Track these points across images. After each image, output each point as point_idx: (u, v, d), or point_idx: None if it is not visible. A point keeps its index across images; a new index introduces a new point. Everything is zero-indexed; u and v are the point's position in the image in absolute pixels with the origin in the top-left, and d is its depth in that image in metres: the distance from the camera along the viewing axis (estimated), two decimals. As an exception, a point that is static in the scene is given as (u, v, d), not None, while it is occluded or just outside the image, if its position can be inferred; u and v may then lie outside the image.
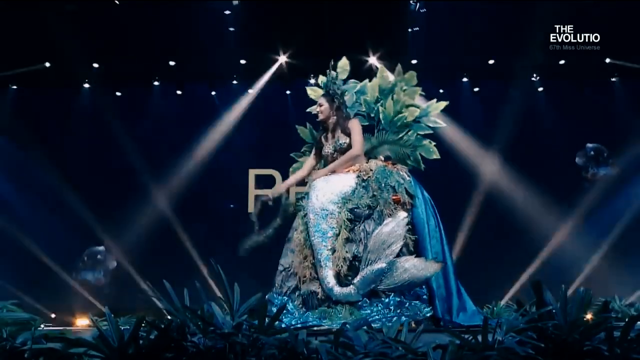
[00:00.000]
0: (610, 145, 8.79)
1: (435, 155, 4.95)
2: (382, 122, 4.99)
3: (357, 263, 4.40)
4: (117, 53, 8.64)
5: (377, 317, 4.21)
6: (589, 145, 8.79)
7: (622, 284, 7.66)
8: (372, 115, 5.06)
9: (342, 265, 4.37)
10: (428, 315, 4.28)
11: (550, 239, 8.56)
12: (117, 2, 7.88)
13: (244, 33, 8.27)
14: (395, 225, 4.39)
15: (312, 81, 9.17)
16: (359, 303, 4.33)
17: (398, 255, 4.33)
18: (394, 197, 4.50)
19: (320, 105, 4.85)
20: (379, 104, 5.03)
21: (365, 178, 4.59)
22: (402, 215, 4.44)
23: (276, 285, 4.67)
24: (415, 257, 4.36)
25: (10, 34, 8.05)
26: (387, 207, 4.47)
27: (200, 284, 3.14)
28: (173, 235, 8.79)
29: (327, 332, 3.54)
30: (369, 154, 4.93)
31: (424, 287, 4.41)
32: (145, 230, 8.74)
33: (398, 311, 4.25)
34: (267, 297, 4.55)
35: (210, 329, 2.72)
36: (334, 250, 4.44)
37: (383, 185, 4.53)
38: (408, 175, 4.70)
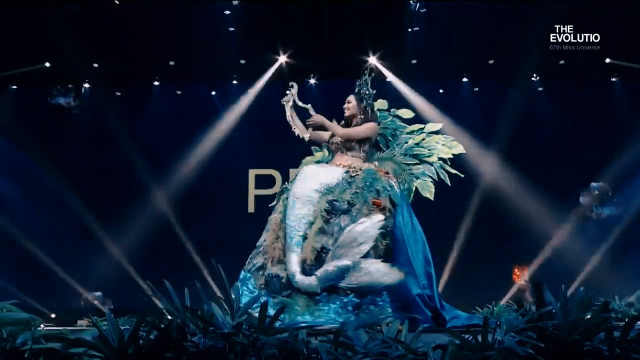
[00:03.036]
0: (610, 145, 8.78)
1: (429, 195, 5.01)
2: (403, 145, 5.08)
3: (324, 255, 4.39)
4: (117, 53, 8.65)
5: (332, 315, 4.21)
6: (594, 184, 8.75)
7: (622, 284, 7.65)
8: (396, 143, 5.17)
9: (309, 254, 4.38)
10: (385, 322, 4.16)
11: (550, 239, 8.56)
12: (117, 2, 7.88)
13: (244, 33, 8.27)
14: (369, 225, 4.38)
15: (312, 81, 9.20)
16: (318, 297, 4.31)
17: (365, 257, 4.32)
18: (375, 200, 4.51)
19: (349, 102, 4.95)
20: (410, 135, 5.15)
21: (352, 175, 4.63)
22: (378, 217, 4.43)
23: (247, 262, 4.69)
24: (382, 262, 4.34)
25: (10, 34, 8.06)
26: (365, 206, 4.48)
27: (201, 283, 3.14)
28: (173, 235, 8.79)
29: (326, 332, 3.54)
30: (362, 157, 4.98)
31: (384, 294, 4.32)
32: (145, 230, 8.74)
33: (355, 312, 4.23)
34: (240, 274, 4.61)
35: (210, 329, 2.72)
36: (305, 237, 4.45)
37: (367, 185, 4.56)
38: (397, 187, 4.72)
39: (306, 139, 4.97)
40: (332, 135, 4.95)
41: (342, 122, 5.03)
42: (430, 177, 5.03)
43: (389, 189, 4.61)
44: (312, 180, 4.61)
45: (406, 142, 5.10)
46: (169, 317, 2.91)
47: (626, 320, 2.76)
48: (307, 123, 4.91)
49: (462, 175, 5.15)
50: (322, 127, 4.95)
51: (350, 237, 4.35)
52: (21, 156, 8.88)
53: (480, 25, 8.02)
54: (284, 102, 4.94)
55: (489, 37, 8.27)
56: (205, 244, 8.54)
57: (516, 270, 8.33)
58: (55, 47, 8.29)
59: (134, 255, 8.64)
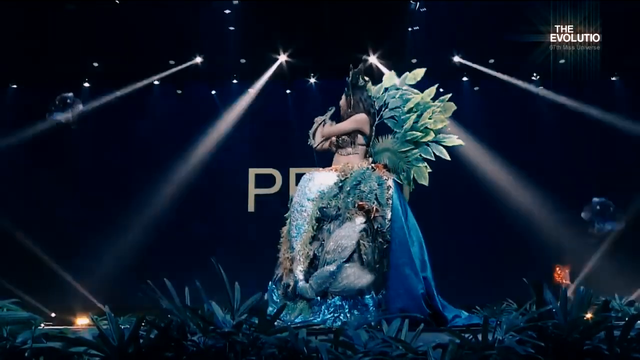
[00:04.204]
0: (610, 145, 8.78)
1: (424, 182, 4.96)
2: (401, 130, 5.03)
3: (316, 261, 4.51)
4: (117, 53, 8.64)
5: (319, 317, 4.31)
6: (595, 199, 8.68)
7: (622, 283, 7.65)
8: (400, 122, 5.10)
9: (304, 262, 4.48)
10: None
11: (551, 238, 8.55)
12: (117, 1, 7.88)
13: (244, 33, 8.27)
14: (350, 229, 4.46)
15: (312, 80, 9.20)
16: (312, 302, 4.43)
17: (347, 261, 4.40)
18: (360, 203, 4.51)
19: (340, 101, 5.05)
20: (409, 115, 5.05)
21: (342, 179, 4.65)
22: (359, 220, 4.49)
23: (274, 272, 4.79)
24: (359, 265, 4.41)
25: (11, 33, 8.05)
26: (347, 210, 4.51)
27: (201, 283, 3.14)
28: (173, 234, 8.78)
29: (327, 332, 3.54)
30: (373, 157, 4.98)
31: (366, 296, 4.38)
32: (145, 229, 8.74)
33: (335, 315, 4.33)
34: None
35: (211, 328, 2.72)
36: None
37: (353, 187, 4.58)
38: (391, 182, 4.70)
39: (314, 147, 5.06)
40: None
41: None
42: (427, 159, 4.95)
43: (375, 188, 4.58)
44: (306, 189, 4.70)
45: (405, 124, 4.99)
46: (169, 316, 2.91)
47: (626, 319, 2.76)
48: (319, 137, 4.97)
49: (463, 144, 5.09)
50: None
51: (335, 243, 4.45)
52: (21, 156, 8.87)
53: (480, 24, 8.01)
54: (316, 121, 5.00)
55: (489, 37, 8.27)
56: (206, 243, 8.54)
57: (558, 269, 8.30)
58: (56, 46, 8.28)
59: (134, 254, 8.63)
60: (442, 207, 8.44)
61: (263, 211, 9.00)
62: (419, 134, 4.95)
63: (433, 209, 7.92)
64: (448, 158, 4.98)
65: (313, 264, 4.50)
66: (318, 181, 4.70)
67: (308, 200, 4.63)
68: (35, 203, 8.83)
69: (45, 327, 3.43)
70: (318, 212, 4.57)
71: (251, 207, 9.25)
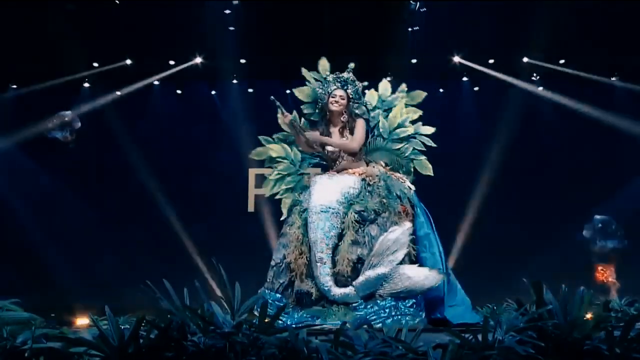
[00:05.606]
0: (610, 145, 8.77)
1: (429, 172, 5.02)
2: (382, 130, 5.05)
3: (359, 265, 4.42)
4: (117, 53, 8.64)
5: (372, 317, 4.25)
6: (597, 217, 8.68)
7: (622, 282, 7.66)
8: (375, 129, 5.16)
9: (345, 266, 4.38)
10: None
11: (550, 238, 8.55)
12: (117, 1, 7.88)
13: (244, 33, 8.27)
14: (400, 233, 4.47)
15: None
16: (354, 305, 4.36)
17: (401, 263, 4.39)
18: (401, 207, 4.56)
19: (342, 98, 4.92)
20: (377, 112, 5.08)
21: (371, 183, 4.64)
22: (408, 225, 4.55)
23: (268, 280, 4.68)
24: (419, 266, 4.45)
25: (10, 33, 8.05)
26: (394, 215, 4.53)
27: (200, 283, 3.15)
28: (173, 235, 8.78)
29: (327, 332, 3.54)
30: (365, 158, 4.99)
31: (419, 296, 4.46)
32: (145, 230, 8.74)
33: (392, 314, 4.29)
34: (259, 292, 4.57)
35: (211, 328, 2.72)
36: (334, 249, 4.45)
37: (389, 192, 4.59)
38: (409, 187, 4.77)
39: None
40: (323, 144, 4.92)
41: (321, 114, 5.07)
42: (420, 150, 5.05)
43: (406, 191, 4.67)
44: (330, 191, 4.60)
45: (378, 122, 5.07)
46: (169, 316, 2.91)
47: (626, 319, 2.76)
48: (306, 134, 4.92)
49: (434, 129, 5.12)
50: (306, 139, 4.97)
51: (385, 246, 4.41)
52: (21, 156, 8.87)
53: (480, 24, 8.01)
54: (283, 121, 4.99)
55: (489, 37, 8.27)
56: (205, 244, 8.54)
57: (600, 268, 8.27)
58: (56, 47, 8.28)
59: (134, 254, 8.64)
60: (442, 206, 8.43)
61: (263, 211, 9.00)
62: (404, 128, 5.04)
63: (433, 208, 7.92)
64: (434, 145, 5.05)
65: (355, 268, 4.42)
66: (342, 184, 4.63)
67: (337, 202, 4.54)
68: (35, 203, 8.83)
69: (45, 328, 3.42)
70: (357, 216, 4.51)
71: (251, 207, 9.25)
